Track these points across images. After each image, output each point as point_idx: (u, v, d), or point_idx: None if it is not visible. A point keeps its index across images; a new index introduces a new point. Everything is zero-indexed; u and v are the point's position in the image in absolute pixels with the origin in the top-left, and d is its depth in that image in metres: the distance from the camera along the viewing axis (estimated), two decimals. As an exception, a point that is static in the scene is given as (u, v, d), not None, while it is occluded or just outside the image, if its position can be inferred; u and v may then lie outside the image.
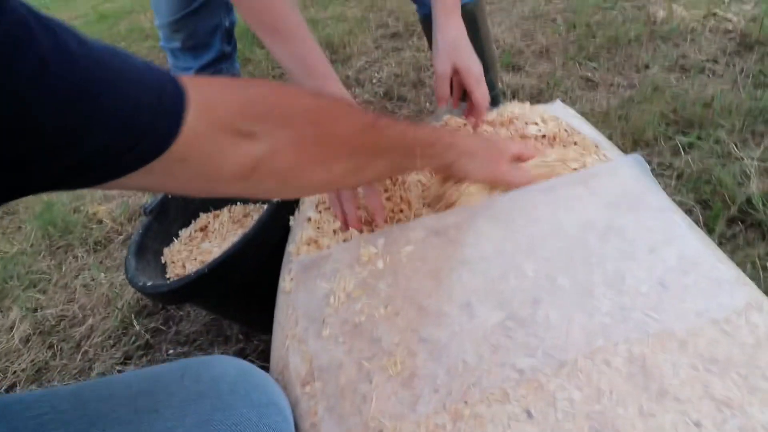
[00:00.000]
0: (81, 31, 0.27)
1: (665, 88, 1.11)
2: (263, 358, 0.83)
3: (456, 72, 0.64)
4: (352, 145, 0.40)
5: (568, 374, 0.38)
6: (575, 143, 0.63)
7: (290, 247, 0.61)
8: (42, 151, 0.24)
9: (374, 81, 1.66)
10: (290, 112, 0.35)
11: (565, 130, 0.66)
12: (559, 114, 0.70)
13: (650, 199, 0.51)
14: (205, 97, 0.31)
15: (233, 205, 0.89)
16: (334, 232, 0.59)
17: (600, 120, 1.06)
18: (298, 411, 0.42)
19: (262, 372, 0.42)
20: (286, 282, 0.55)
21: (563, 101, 1.18)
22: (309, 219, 0.63)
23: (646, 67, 1.24)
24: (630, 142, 0.97)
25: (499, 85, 1.03)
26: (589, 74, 1.30)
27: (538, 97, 1.28)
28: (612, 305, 0.42)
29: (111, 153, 0.27)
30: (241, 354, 0.85)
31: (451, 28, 0.63)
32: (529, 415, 0.36)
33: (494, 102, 1.02)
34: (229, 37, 0.92)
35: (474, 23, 0.90)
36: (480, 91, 0.61)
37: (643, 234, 0.47)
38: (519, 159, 0.56)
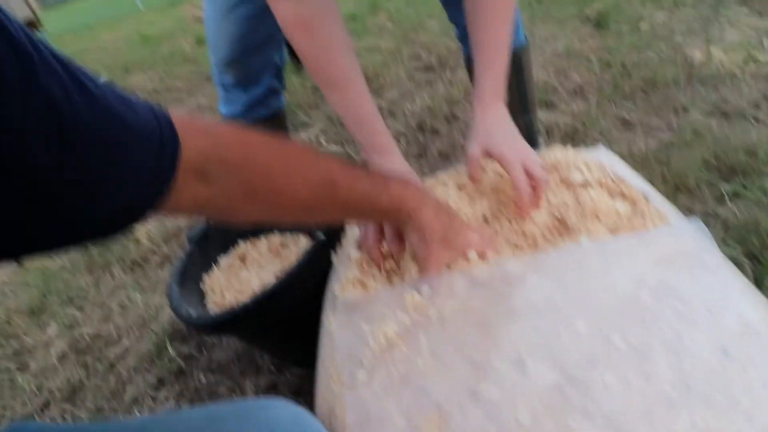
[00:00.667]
0: (84, 72, 0.28)
1: (706, 133, 1.10)
2: (295, 393, 0.83)
3: (489, 156, 0.62)
4: (302, 202, 0.41)
5: (628, 443, 0.37)
6: (622, 193, 0.63)
7: (334, 286, 0.62)
8: (39, 206, 0.25)
9: (407, 113, 1.69)
10: (247, 163, 0.37)
11: (612, 179, 0.66)
12: (604, 160, 0.70)
13: (705, 258, 0.50)
14: (187, 140, 0.33)
15: (272, 234, 0.90)
16: (379, 269, 0.60)
17: (639, 163, 1.05)
18: (347, 460, 0.42)
19: (313, 418, 0.42)
20: (330, 322, 0.56)
21: (599, 141, 1.18)
22: (350, 257, 0.64)
23: (685, 110, 1.23)
24: (671, 188, 0.95)
25: (538, 124, 1.04)
26: (625, 115, 1.29)
27: (572, 136, 1.28)
28: (672, 371, 0.41)
29: (114, 207, 0.29)
30: (274, 388, 0.85)
31: (488, 114, 0.62)
32: (589, 484, 0.35)
33: (533, 141, 1.03)
34: (279, 73, 0.96)
35: (519, 66, 0.91)
36: (517, 178, 0.58)
37: (700, 294, 0.46)
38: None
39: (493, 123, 0.62)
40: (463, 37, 0.96)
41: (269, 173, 0.39)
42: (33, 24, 3.87)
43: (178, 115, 0.34)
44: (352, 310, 0.55)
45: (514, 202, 0.61)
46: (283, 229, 0.85)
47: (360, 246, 0.63)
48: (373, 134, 0.62)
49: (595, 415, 0.39)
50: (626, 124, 1.26)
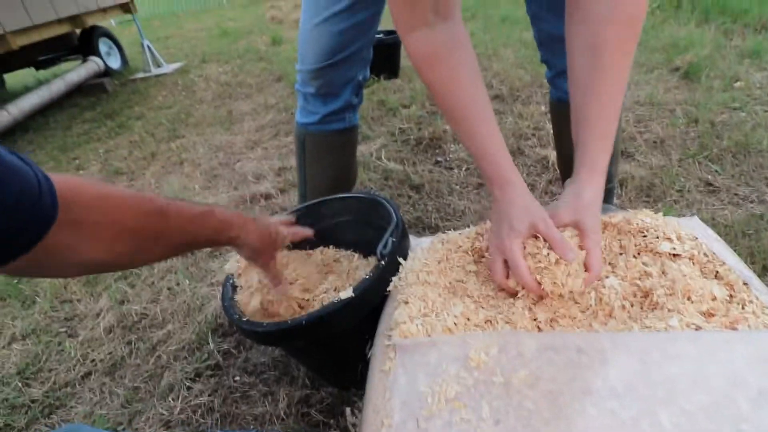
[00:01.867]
0: None
1: (803, 211, 1.00)
2: (327, 414, 0.82)
3: (574, 227, 0.59)
4: (133, 229, 0.45)
5: None
6: (718, 274, 0.57)
7: (391, 321, 0.60)
8: None
9: (472, 141, 1.66)
10: (83, 198, 0.40)
11: (705, 255, 0.61)
12: (698, 233, 0.65)
13: (817, 366, 0.44)
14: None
15: (326, 249, 0.89)
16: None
17: (722, 233, 0.97)
18: None
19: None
20: (385, 360, 0.54)
21: (678, 201, 1.10)
22: (411, 292, 0.62)
23: (781, 182, 1.14)
24: (759, 267, 0.87)
25: (617, 178, 0.99)
26: (710, 178, 1.21)
27: (648, 191, 1.21)
28: (772, 496, 0.36)
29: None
30: (306, 402, 0.84)
31: (587, 188, 0.58)
32: None
33: (609, 194, 0.98)
34: (359, 89, 0.97)
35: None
36: (594, 256, 0.56)
37: (809, 409, 0.41)
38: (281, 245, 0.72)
39: (593, 197, 0.58)
40: (554, 78, 0.92)
41: (105, 207, 0.42)
42: (127, 7, 4.13)
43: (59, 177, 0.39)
44: (411, 355, 0.52)
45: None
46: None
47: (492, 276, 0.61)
48: (497, 167, 0.60)
49: None
50: (711, 188, 1.18)
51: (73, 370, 1.02)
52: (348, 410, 0.80)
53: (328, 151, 1.02)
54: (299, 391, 0.86)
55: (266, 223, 0.67)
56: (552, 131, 1.01)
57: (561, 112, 0.93)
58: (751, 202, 1.10)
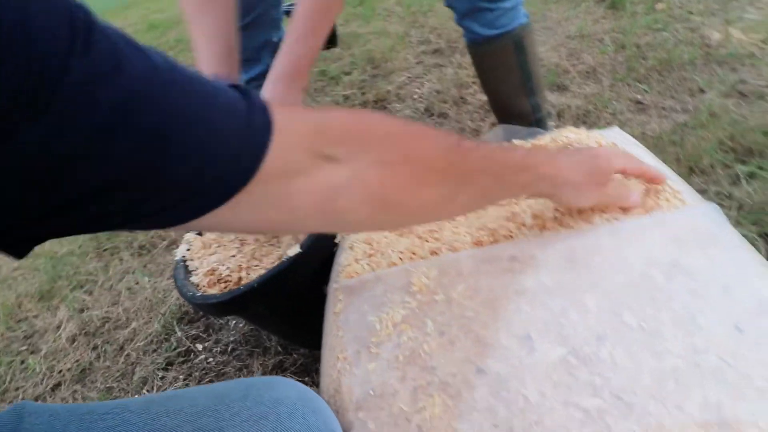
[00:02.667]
0: (168, 56, 0.27)
1: (722, 114, 1.07)
2: (302, 373, 0.84)
3: None
4: (438, 167, 0.36)
5: (637, 418, 0.36)
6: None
7: (338, 266, 0.61)
8: (119, 187, 0.24)
9: (415, 97, 1.67)
10: (370, 134, 0.34)
11: (624, 158, 0.64)
12: (618, 141, 0.68)
13: (721, 237, 0.49)
14: (286, 120, 0.30)
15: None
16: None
17: (652, 145, 1.02)
18: (351, 436, 0.41)
19: (319, 397, 0.42)
20: (335, 303, 0.55)
21: (611, 124, 1.15)
22: (355, 237, 0.63)
23: (701, 91, 1.20)
24: (685, 169, 0.93)
25: (546, 106, 1.02)
26: (639, 97, 1.26)
27: (584, 118, 1.26)
28: (683, 347, 0.40)
29: (200, 184, 0.26)
30: (280, 367, 0.86)
31: None
32: (597, 460, 0.34)
33: (541, 124, 1.01)
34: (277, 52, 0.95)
35: (521, 47, 0.89)
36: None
37: (715, 273, 0.45)
38: (623, 173, 0.51)
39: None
40: (461, 20, 0.93)
41: (394, 141, 0.35)
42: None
43: (275, 103, 0.31)
44: (358, 292, 0.54)
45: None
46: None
47: None
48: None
49: (602, 391, 0.38)
50: (640, 106, 1.23)
51: (41, 384, 0.99)
52: (322, 368, 0.82)
53: None
54: (273, 359, 0.88)
55: (580, 151, 0.50)
56: (477, 75, 1.02)
57: (476, 52, 0.94)
58: (676, 112, 1.16)
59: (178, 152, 0.25)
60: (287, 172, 0.30)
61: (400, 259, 0.58)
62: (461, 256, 0.53)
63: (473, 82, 1.65)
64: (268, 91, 0.64)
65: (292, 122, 0.31)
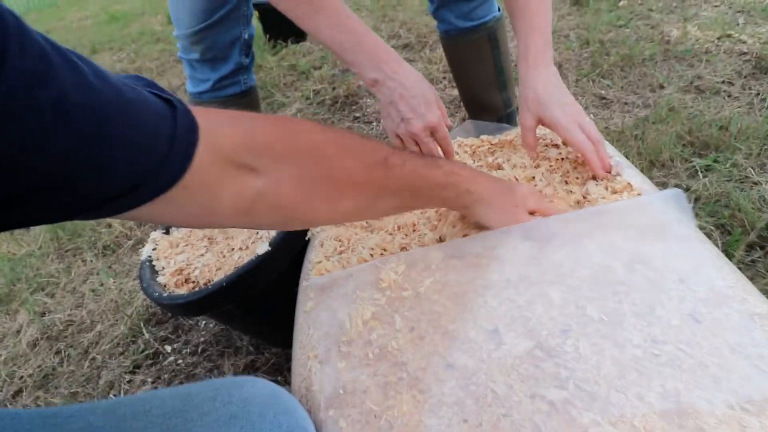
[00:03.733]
0: (96, 63, 0.28)
1: (681, 109, 1.11)
2: (274, 372, 0.83)
3: (542, 123, 0.62)
4: (357, 183, 0.39)
5: (600, 408, 0.37)
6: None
7: (309, 263, 0.61)
8: (59, 183, 0.25)
9: (386, 92, 1.67)
10: (293, 148, 0.36)
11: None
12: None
13: (677, 229, 0.51)
14: (212, 129, 0.32)
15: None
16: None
17: (615, 139, 1.06)
18: (323, 436, 0.41)
19: (291, 396, 0.42)
20: (305, 301, 0.55)
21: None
22: (324, 235, 0.63)
23: (661, 87, 1.24)
24: (646, 162, 0.96)
25: (516, 101, 1.03)
26: (603, 92, 1.30)
27: (551, 113, 1.28)
28: (643, 337, 0.41)
29: (128, 185, 0.28)
30: (252, 367, 0.85)
31: (534, 80, 0.61)
32: (562, 450, 0.35)
33: (511, 118, 1.02)
34: (247, 49, 0.93)
35: (495, 40, 0.90)
36: (576, 140, 0.58)
37: (671, 264, 0.47)
38: (534, 214, 0.54)
39: (543, 87, 0.61)
40: (437, 11, 0.94)
41: (321, 156, 0.37)
42: (-7, 0, 3.64)
43: (201, 109, 0.33)
44: (329, 290, 0.54)
45: (583, 164, 0.61)
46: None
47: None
48: (375, 46, 0.59)
49: (567, 383, 0.39)
50: (604, 101, 1.27)
51: (1, 391, 0.95)
52: (295, 366, 0.82)
53: None
54: (244, 359, 0.87)
55: (502, 179, 0.54)
56: (449, 68, 1.03)
57: (450, 44, 0.95)
58: (638, 107, 1.20)
59: (113, 150, 0.26)
60: (207, 182, 0.32)
61: (371, 255, 0.58)
62: (429, 251, 0.54)
63: (444, 77, 1.65)
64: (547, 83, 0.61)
65: (219, 134, 0.32)
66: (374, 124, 1.53)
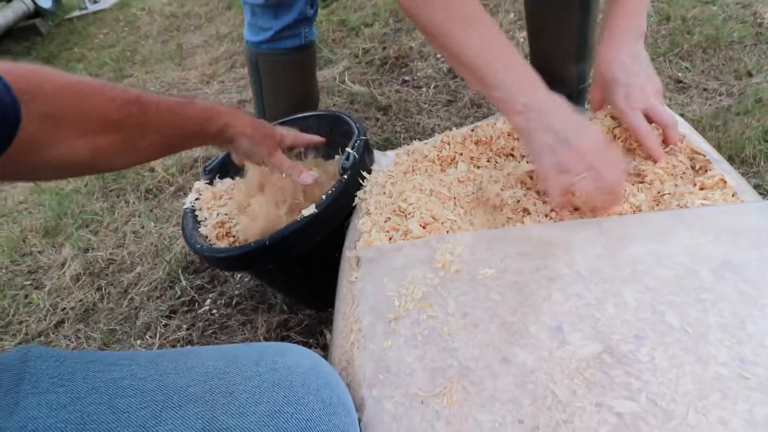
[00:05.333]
0: None
1: (770, 100, 1.00)
2: (306, 334, 0.82)
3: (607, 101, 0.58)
4: (113, 118, 0.40)
5: (676, 429, 0.33)
6: (687, 158, 0.56)
7: (356, 231, 0.58)
8: None
9: (438, 56, 1.58)
10: (41, 88, 0.35)
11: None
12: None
13: (777, 236, 0.45)
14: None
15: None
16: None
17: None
18: (364, 414, 0.39)
19: (332, 368, 0.40)
20: (351, 271, 0.52)
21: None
22: (375, 204, 0.59)
23: (749, 74, 1.12)
24: (725, 157, 0.87)
25: (590, 77, 0.95)
26: (680, 75, 1.18)
27: (618, 93, 1.18)
28: (730, 355, 0.37)
29: None
30: (285, 326, 0.84)
31: (610, 52, 0.57)
32: (629, 469, 0.32)
33: (582, 96, 0.94)
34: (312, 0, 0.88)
35: (587, 6, 0.82)
36: (631, 122, 0.55)
37: (768, 275, 0.41)
38: (281, 143, 0.62)
39: (618, 63, 0.56)
40: None
41: (70, 93, 0.37)
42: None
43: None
44: (377, 262, 0.51)
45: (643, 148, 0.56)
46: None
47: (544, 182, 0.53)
48: (524, 70, 0.52)
49: (639, 395, 0.35)
50: (681, 86, 1.16)
51: (45, 320, 0.99)
52: (327, 330, 0.81)
53: (285, 73, 0.94)
54: (277, 317, 0.86)
55: (257, 119, 0.59)
56: (526, 31, 0.94)
57: (535, 8, 0.86)
58: (720, 95, 1.09)
59: None
60: None
61: (422, 227, 0.55)
62: (491, 234, 0.50)
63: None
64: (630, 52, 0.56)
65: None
66: (424, 89, 1.46)
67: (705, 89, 1.12)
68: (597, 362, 0.38)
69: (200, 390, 0.34)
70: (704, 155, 0.55)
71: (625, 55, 0.57)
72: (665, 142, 0.57)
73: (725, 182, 0.51)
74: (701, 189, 0.51)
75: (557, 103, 0.51)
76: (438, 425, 0.37)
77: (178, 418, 0.32)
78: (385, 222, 0.56)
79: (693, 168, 0.55)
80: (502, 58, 0.51)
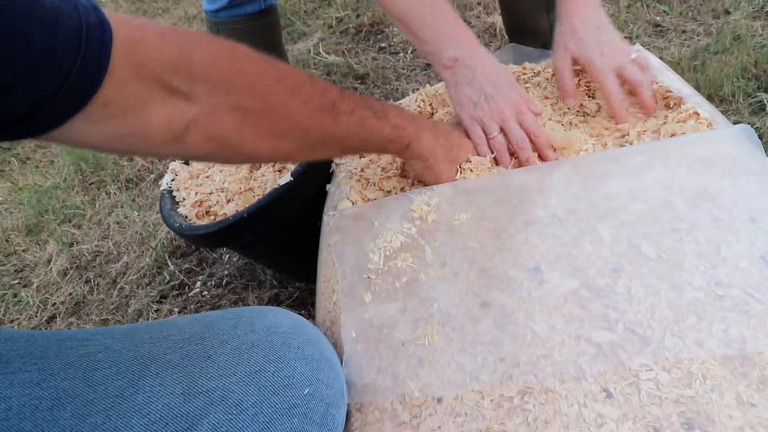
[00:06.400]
0: None
1: (748, 37, 0.99)
2: (298, 306, 0.82)
3: (576, 63, 0.55)
4: (300, 126, 0.36)
5: (653, 353, 0.34)
6: (659, 94, 0.56)
7: (333, 197, 0.57)
8: None
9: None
10: (235, 78, 0.33)
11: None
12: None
13: (751, 163, 0.44)
14: (134, 39, 0.28)
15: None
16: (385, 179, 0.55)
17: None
18: (350, 368, 0.40)
19: (315, 327, 0.40)
20: (330, 233, 0.52)
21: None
22: (350, 168, 0.59)
23: (727, 12, 1.10)
24: (705, 97, 0.87)
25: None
26: (658, 19, 1.16)
27: (596, 43, 1.16)
28: (705, 279, 0.37)
29: (42, 93, 0.24)
30: (276, 300, 0.85)
31: (572, 13, 0.54)
32: (609, 394, 0.33)
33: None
34: None
35: None
36: (606, 86, 0.52)
37: (742, 202, 0.42)
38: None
39: (581, 22, 0.54)
40: None
41: (261, 90, 0.34)
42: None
43: (123, 16, 0.29)
44: (355, 222, 0.51)
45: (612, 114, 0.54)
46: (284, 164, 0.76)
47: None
48: (456, 24, 0.53)
49: (617, 325, 0.36)
50: (659, 29, 1.14)
51: (36, 316, 0.99)
52: (318, 301, 0.81)
53: (247, 41, 0.91)
54: (268, 292, 0.86)
55: (446, 131, 0.51)
56: None
57: None
58: (698, 35, 1.07)
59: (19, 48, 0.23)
60: (128, 98, 0.28)
61: (401, 189, 0.54)
62: (465, 184, 0.49)
63: (478, 3, 1.52)
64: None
65: (142, 47, 0.29)
66: (401, 55, 1.43)
67: (683, 31, 1.11)
68: (575, 298, 0.38)
69: (177, 357, 0.34)
70: (675, 93, 0.55)
71: (590, 11, 0.55)
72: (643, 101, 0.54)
73: (698, 114, 0.51)
74: (676, 122, 0.50)
75: (485, 58, 0.52)
76: (422, 372, 0.37)
77: (156, 385, 0.32)
78: (358, 186, 0.56)
79: (667, 107, 0.55)
80: (433, 12, 0.52)
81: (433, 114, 0.67)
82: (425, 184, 0.51)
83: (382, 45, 1.50)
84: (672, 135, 0.50)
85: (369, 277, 0.44)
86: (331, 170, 0.63)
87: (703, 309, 0.35)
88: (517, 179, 0.48)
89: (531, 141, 0.51)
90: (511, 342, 0.36)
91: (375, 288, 0.43)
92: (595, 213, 0.43)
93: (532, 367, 0.35)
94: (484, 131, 0.52)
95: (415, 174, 0.51)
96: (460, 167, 0.51)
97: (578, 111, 0.57)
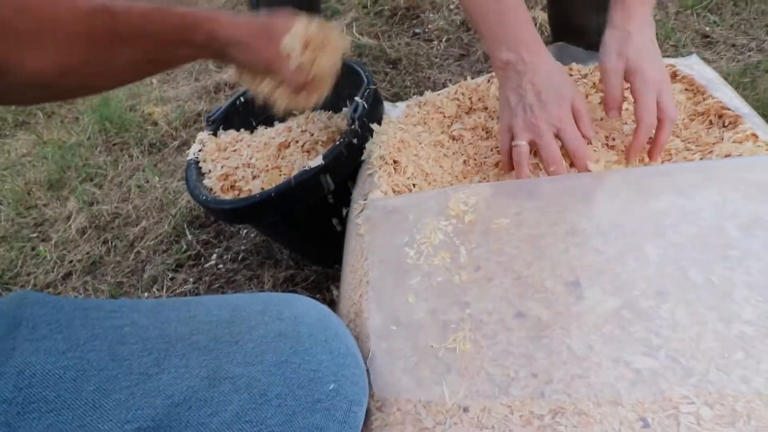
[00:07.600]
0: None
1: (803, 56, 0.94)
2: (313, 289, 0.82)
3: (627, 68, 0.51)
4: (80, 32, 0.34)
5: (695, 386, 0.32)
6: (714, 111, 0.53)
7: (364, 185, 0.56)
8: None
9: (452, 7, 1.51)
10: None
11: (701, 94, 0.56)
12: (696, 74, 0.59)
13: (812, 192, 0.42)
14: None
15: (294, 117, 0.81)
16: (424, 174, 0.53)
17: (717, 85, 0.91)
18: (373, 366, 0.39)
19: (340, 320, 0.39)
20: (360, 224, 0.51)
21: (672, 56, 1.02)
22: (383, 157, 0.57)
23: (782, 28, 1.06)
24: (752, 115, 0.83)
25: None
26: (707, 29, 1.12)
27: (641, 48, 1.12)
28: (756, 313, 0.35)
29: None
30: (291, 281, 0.84)
31: (627, 23, 0.51)
32: (646, 423, 0.31)
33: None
34: None
35: None
36: (645, 106, 0.48)
37: (801, 233, 0.39)
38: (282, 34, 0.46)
39: (637, 31, 0.51)
40: None
41: (28, 5, 0.31)
42: None
43: None
44: (387, 215, 0.49)
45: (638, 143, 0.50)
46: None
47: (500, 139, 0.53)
48: (521, 25, 0.50)
49: (658, 352, 0.34)
50: (707, 40, 1.10)
51: (52, 272, 1.00)
52: (333, 286, 0.80)
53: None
54: (284, 272, 0.86)
55: (248, 16, 0.48)
56: None
57: None
58: (749, 50, 1.03)
59: None
60: None
61: (434, 180, 0.53)
62: (506, 186, 0.47)
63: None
64: None
65: None
66: (435, 42, 1.40)
67: (734, 45, 1.06)
68: (615, 318, 0.36)
69: (204, 339, 0.33)
70: (732, 110, 0.52)
71: (642, 29, 0.51)
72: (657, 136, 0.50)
73: (756, 136, 0.48)
74: (733, 143, 0.48)
75: (540, 66, 0.49)
76: (449, 378, 0.36)
77: (181, 366, 0.31)
78: (390, 176, 0.54)
79: (723, 126, 0.52)
80: (500, 10, 0.50)
81: (471, 109, 0.64)
82: (254, 73, 0.46)
83: (417, 31, 1.47)
84: (726, 155, 0.48)
85: (401, 273, 0.43)
86: (363, 156, 0.62)
87: (751, 344, 0.34)
88: (560, 186, 0.46)
89: (573, 159, 0.48)
90: (545, 357, 0.35)
91: (404, 285, 0.42)
92: (642, 230, 0.41)
93: (566, 387, 0.33)
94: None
95: (243, 62, 0.45)
96: None
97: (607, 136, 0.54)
